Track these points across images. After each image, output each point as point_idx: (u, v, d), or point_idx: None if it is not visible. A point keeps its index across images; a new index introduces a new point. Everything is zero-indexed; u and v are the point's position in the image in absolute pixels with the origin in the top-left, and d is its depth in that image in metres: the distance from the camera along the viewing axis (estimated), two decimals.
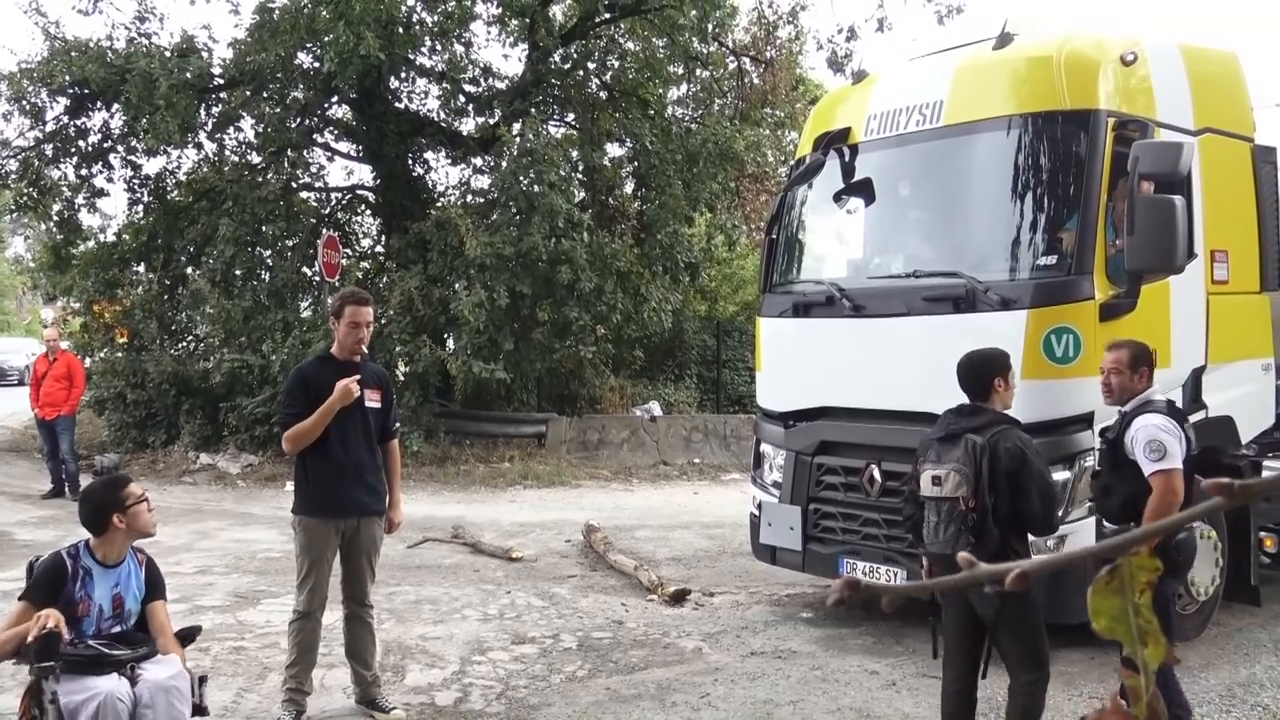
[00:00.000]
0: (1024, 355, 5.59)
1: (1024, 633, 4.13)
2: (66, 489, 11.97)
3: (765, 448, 7.20)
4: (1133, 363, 4.48)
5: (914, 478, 4.47)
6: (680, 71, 16.94)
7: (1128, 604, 0.91)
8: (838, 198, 7.11)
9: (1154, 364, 4.59)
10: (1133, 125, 5.82)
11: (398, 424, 5.33)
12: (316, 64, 14.60)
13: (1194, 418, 5.90)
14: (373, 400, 5.09)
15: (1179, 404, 6.01)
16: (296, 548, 5.07)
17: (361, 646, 5.14)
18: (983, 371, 4.39)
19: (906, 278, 6.48)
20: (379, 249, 18.16)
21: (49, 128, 15.36)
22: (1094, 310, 5.64)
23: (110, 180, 16.10)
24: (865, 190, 6.88)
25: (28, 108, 14.97)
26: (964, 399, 5.87)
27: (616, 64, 16.74)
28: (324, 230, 15.84)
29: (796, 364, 7.01)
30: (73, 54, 14.31)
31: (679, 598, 7.43)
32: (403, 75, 16.00)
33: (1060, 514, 4.74)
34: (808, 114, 17.00)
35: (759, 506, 7.13)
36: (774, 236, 7.50)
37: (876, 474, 6.29)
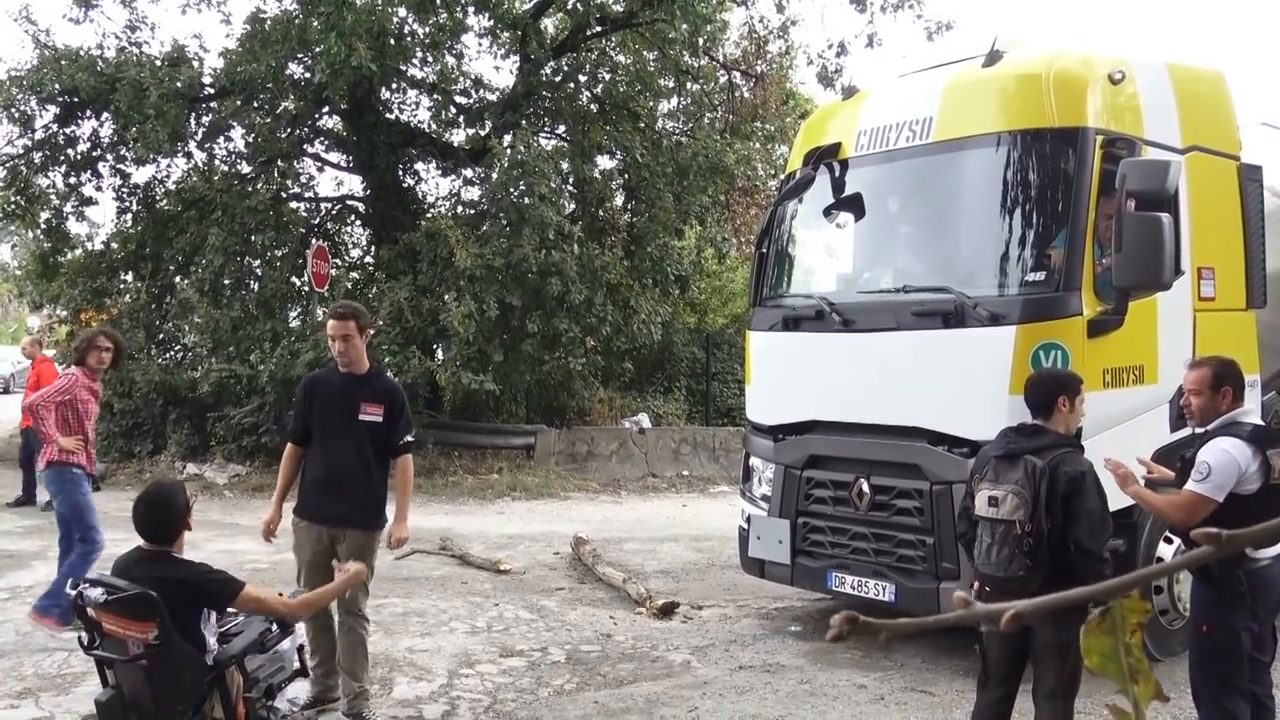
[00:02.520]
0: (1012, 371, 5.63)
1: (1062, 666, 4.09)
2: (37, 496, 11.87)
3: (754, 461, 7.21)
4: (1214, 382, 4.32)
5: (968, 495, 4.41)
6: (671, 85, 17.01)
7: (1119, 643, 0.93)
8: (828, 212, 7.14)
9: (1242, 382, 4.44)
10: (1120, 143, 5.87)
11: (409, 438, 5.24)
12: (307, 74, 14.60)
13: (1181, 434, 5.95)
14: (371, 414, 5.06)
15: (1167, 421, 6.08)
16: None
17: (349, 657, 5.12)
18: (1051, 391, 4.33)
19: (896, 292, 6.51)
20: (368, 259, 18.14)
21: (38, 136, 15.30)
22: (1082, 326, 5.67)
23: (99, 189, 16.06)
24: (855, 205, 6.91)
25: (16, 115, 14.91)
26: (948, 416, 5.94)
27: (607, 77, 16.80)
28: (314, 240, 15.81)
29: (786, 378, 7.03)
30: (63, 62, 14.26)
31: (667, 611, 7.42)
32: (394, 86, 16.02)
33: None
34: (798, 128, 17.08)
35: (748, 520, 7.14)
36: (764, 250, 7.53)
37: (865, 488, 6.30)
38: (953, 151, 6.29)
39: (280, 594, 4.30)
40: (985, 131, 6.14)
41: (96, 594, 3.81)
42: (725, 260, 19.17)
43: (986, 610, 0.91)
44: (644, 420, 16.48)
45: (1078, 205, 5.77)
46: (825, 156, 6.97)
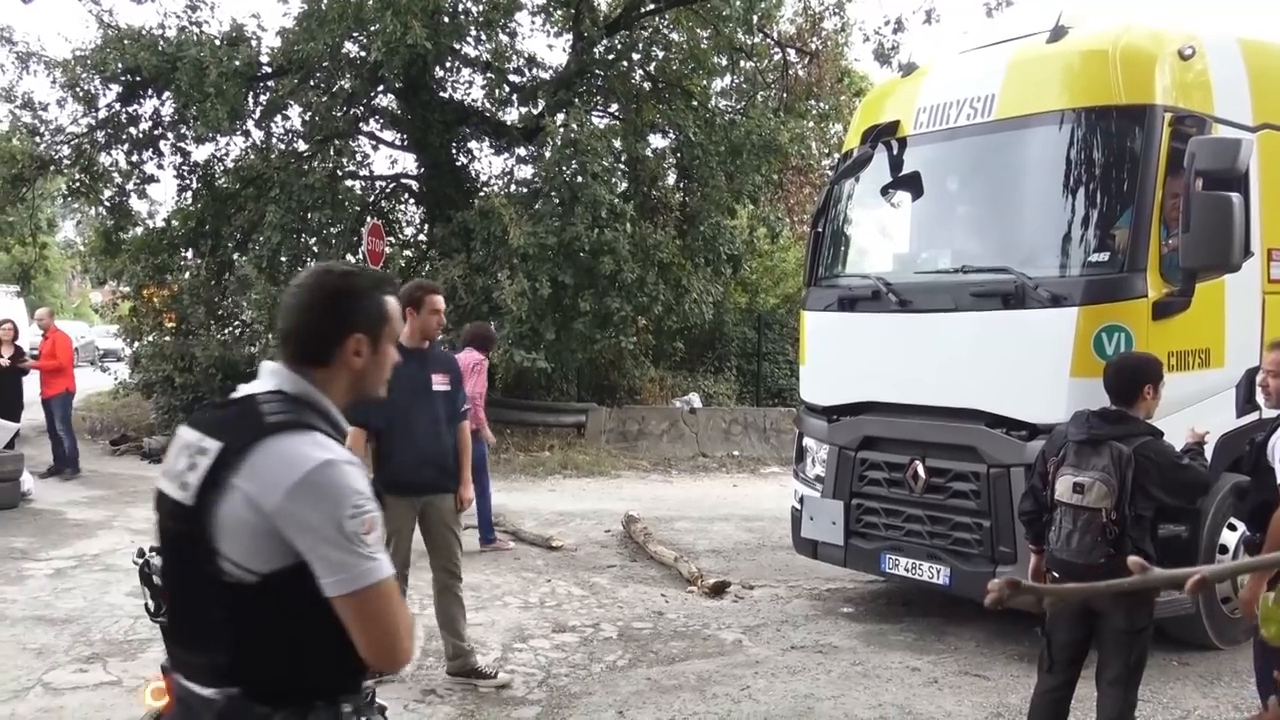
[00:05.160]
0: (1074, 353, 5.54)
1: (1131, 651, 4.05)
2: (66, 468, 12.13)
3: (808, 442, 7.18)
4: None
5: (1040, 475, 4.32)
6: (725, 63, 16.88)
7: None
8: (885, 191, 7.06)
9: None
10: (1189, 121, 5.73)
11: (467, 406, 5.60)
12: (363, 53, 14.69)
13: (1247, 419, 5.82)
14: (440, 384, 5.31)
15: (1233, 405, 5.95)
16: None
17: (453, 619, 5.34)
18: (1136, 377, 4.22)
19: (954, 273, 6.42)
20: (422, 238, 18.27)
21: (101, 114, 15.59)
22: (1147, 308, 5.55)
23: (160, 167, 16.35)
24: (913, 184, 6.82)
25: (81, 94, 15.22)
26: (1007, 399, 5.85)
27: (661, 55, 16.69)
28: (368, 218, 15.97)
29: (841, 358, 6.98)
30: (125, 42, 14.50)
31: (719, 590, 7.43)
32: (448, 65, 16.09)
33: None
34: (853, 106, 16.91)
35: (801, 500, 7.11)
36: (819, 230, 7.47)
37: (921, 470, 6.25)
38: (1016, 129, 6.17)
39: None
40: (1050, 109, 6.02)
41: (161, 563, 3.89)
42: (778, 240, 19.03)
43: (1167, 575, 0.91)
44: (695, 400, 16.47)
45: (1144, 184, 5.64)
46: (883, 134, 6.89)
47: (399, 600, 1.88)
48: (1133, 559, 0.94)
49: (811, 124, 18.04)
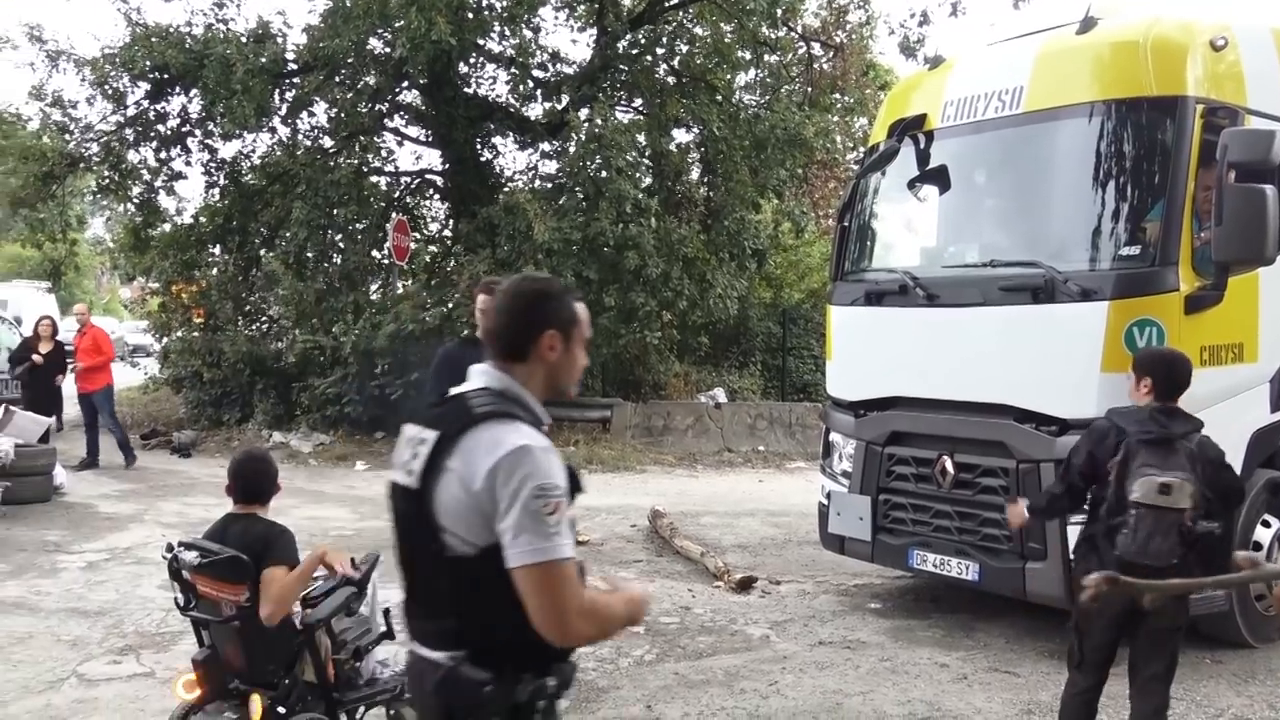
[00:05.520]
0: (1104, 348, 5.50)
1: (1169, 648, 4.02)
2: (125, 458, 12.31)
3: (835, 437, 7.16)
4: None
5: (1081, 473, 4.22)
6: (749, 57, 16.82)
7: None
8: (912, 185, 7.01)
9: None
10: (1222, 112, 5.66)
11: None
12: (388, 49, 14.75)
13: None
14: None
15: (1267, 401, 5.89)
16: None
17: None
18: (1186, 372, 4.18)
19: (982, 267, 6.38)
20: (446, 233, 18.34)
21: (130, 112, 15.75)
22: (1179, 302, 5.49)
23: (188, 164, 16.50)
24: (941, 177, 6.78)
25: (110, 92, 15.38)
26: (1036, 394, 5.80)
27: (684, 49, 16.66)
28: (393, 214, 16.05)
29: (868, 353, 6.95)
30: (153, 39, 14.63)
31: (745, 585, 7.42)
32: (472, 60, 16.13)
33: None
34: (878, 100, 16.81)
35: (828, 496, 7.09)
36: (846, 224, 7.44)
37: (949, 465, 6.21)
38: (1044, 122, 6.12)
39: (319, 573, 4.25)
40: (1079, 101, 5.96)
41: (191, 557, 3.92)
42: (803, 234, 18.96)
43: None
44: (720, 395, 16.46)
45: (1176, 177, 5.58)
46: (910, 128, 6.84)
47: (575, 582, 2.03)
48: (1242, 554, 0.92)
49: (836, 118, 17.95)
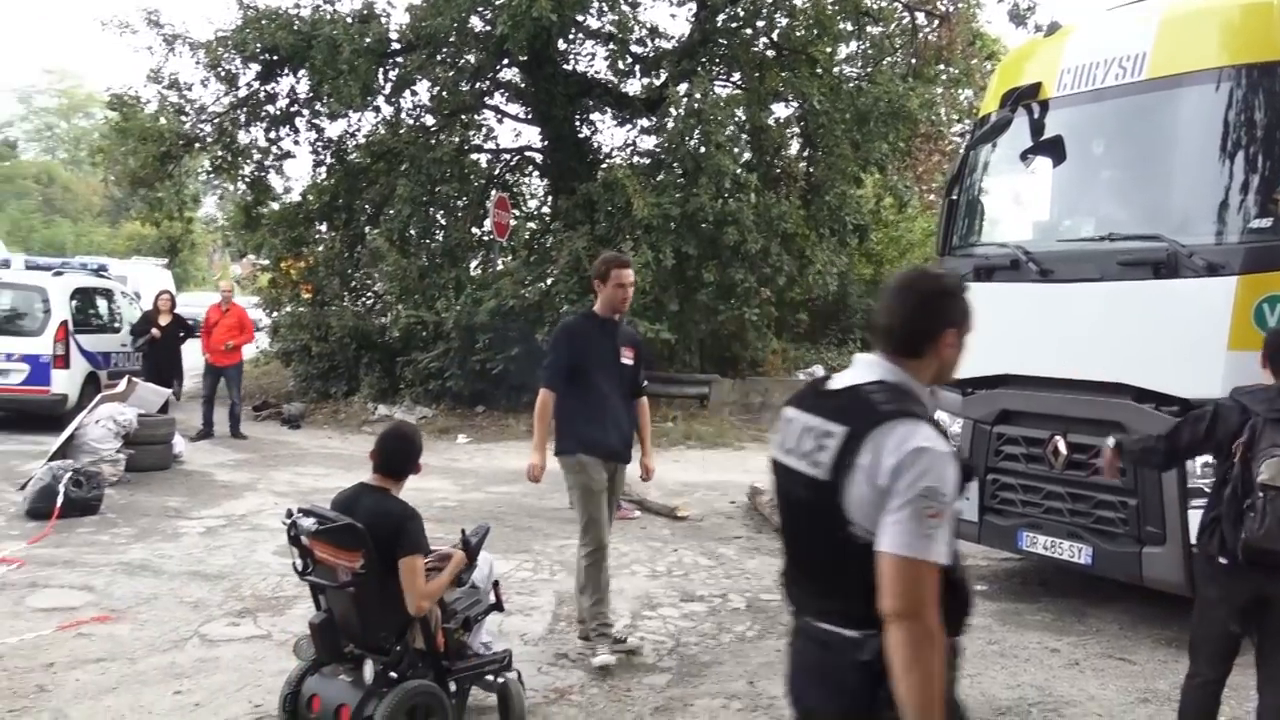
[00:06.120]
0: (1232, 325, 5.26)
1: None
2: (232, 430, 12.73)
3: (941, 415, 6.99)
4: None
5: (1190, 445, 4.12)
6: (850, 28, 16.52)
7: None
8: (1025, 156, 6.78)
9: None
10: None
11: (646, 382, 5.77)
12: (489, 27, 14.88)
13: None
14: (627, 357, 5.47)
15: None
16: (574, 487, 5.35)
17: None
18: None
19: (1100, 241, 6.15)
20: (545, 210, 18.48)
21: (241, 93, 16.22)
22: None
23: (296, 143, 16.94)
24: (1056, 148, 6.54)
25: (223, 74, 15.86)
26: (1157, 373, 5.58)
27: (784, 21, 16.44)
28: (493, 191, 16.23)
29: (977, 329, 6.76)
30: (264, 21, 15.03)
31: None
32: (571, 37, 16.17)
33: None
34: (984, 71, 16.35)
35: None
36: (954, 197, 7.24)
37: (1062, 446, 6.02)
38: (1168, 89, 5.85)
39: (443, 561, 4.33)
40: (1206, 67, 5.68)
41: (309, 523, 4.04)
42: (905, 209, 18.59)
43: None
44: (819, 372, 16.25)
45: None
46: (1024, 97, 6.62)
47: (934, 585, 2.08)
48: None
49: (941, 89, 17.52)
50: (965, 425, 6.65)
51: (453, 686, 4.21)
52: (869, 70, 16.48)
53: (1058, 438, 6.06)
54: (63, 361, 12.27)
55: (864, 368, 2.30)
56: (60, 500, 7.97)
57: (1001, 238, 6.93)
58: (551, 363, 5.38)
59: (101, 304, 13.93)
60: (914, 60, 16.74)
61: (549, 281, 14.17)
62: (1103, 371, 5.86)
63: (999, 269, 6.54)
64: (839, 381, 2.33)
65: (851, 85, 15.89)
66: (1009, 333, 6.45)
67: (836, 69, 16.61)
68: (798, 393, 2.46)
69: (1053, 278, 6.17)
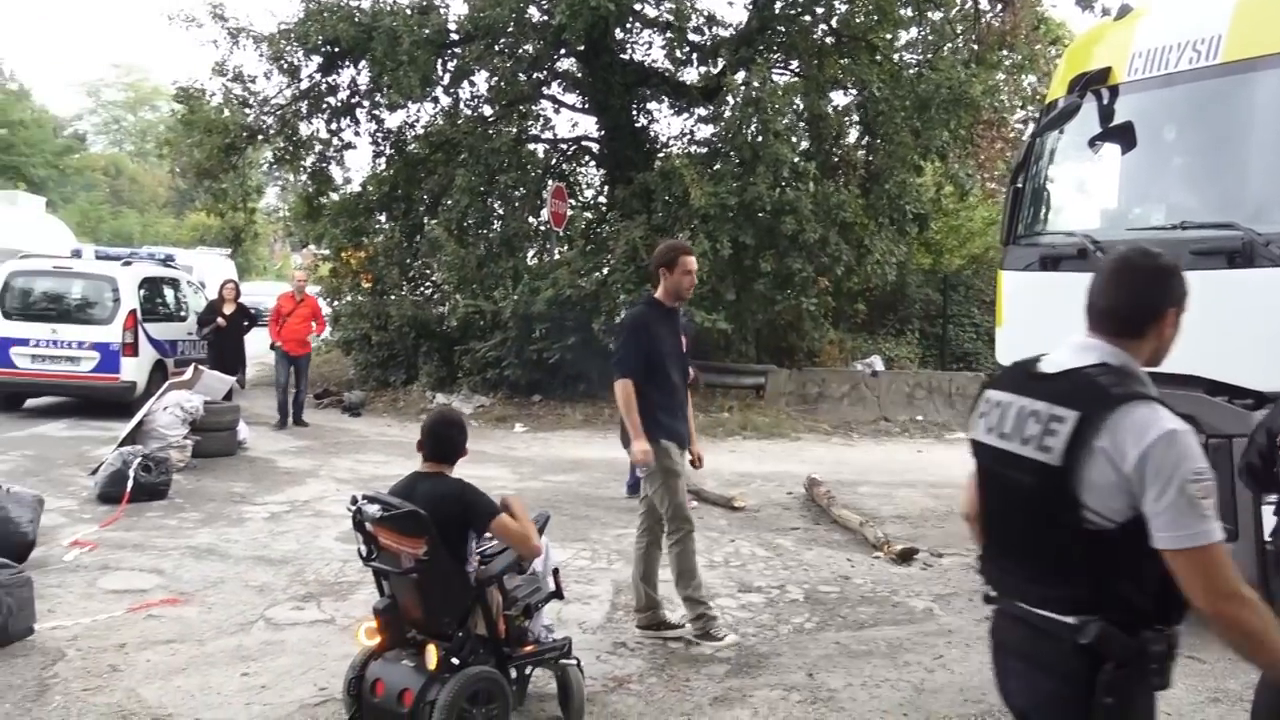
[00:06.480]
0: None
1: None
2: (295, 418, 12.93)
3: None
4: None
5: (1260, 452, 3.98)
6: (910, 14, 16.28)
7: None
8: (1093, 143, 6.63)
9: None
10: None
11: (692, 371, 5.88)
12: (546, 17, 14.90)
13: None
14: (685, 345, 5.64)
15: None
16: (659, 475, 5.33)
17: (654, 573, 5.54)
18: None
19: (1171, 229, 5.99)
20: (602, 199, 18.50)
21: (303, 85, 16.44)
22: None
23: (357, 134, 17.13)
24: (1126, 135, 6.38)
25: (285, 66, 16.09)
26: (1230, 365, 5.43)
27: (843, 8, 16.25)
28: (550, 180, 16.27)
29: (1042, 320, 6.63)
30: (325, 14, 15.19)
31: (906, 556, 7.28)
32: (629, 26, 16.13)
33: None
34: (1049, 56, 16.03)
35: None
36: (1019, 185, 7.11)
37: None
38: (1245, 73, 5.68)
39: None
40: None
41: (373, 510, 4.08)
42: (967, 198, 18.29)
43: None
44: (877, 363, 16.14)
45: None
46: (1093, 82, 6.47)
47: (1227, 564, 2.06)
48: None
49: (1003, 75, 17.21)
50: None
51: (513, 673, 4.24)
52: (930, 56, 16.23)
53: None
54: (131, 350, 12.55)
55: (1080, 350, 2.28)
56: (130, 485, 8.18)
57: (1068, 226, 6.80)
58: (631, 352, 5.32)
59: (168, 293, 14.22)
60: (976, 46, 16.45)
61: (605, 271, 14.17)
62: (1173, 363, 5.67)
63: (1065, 258, 6.41)
64: (1052, 364, 2.30)
65: (912, 72, 15.67)
66: (1075, 323, 6.33)
67: (896, 55, 16.38)
68: (1001, 375, 2.46)
69: None
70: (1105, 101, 6.43)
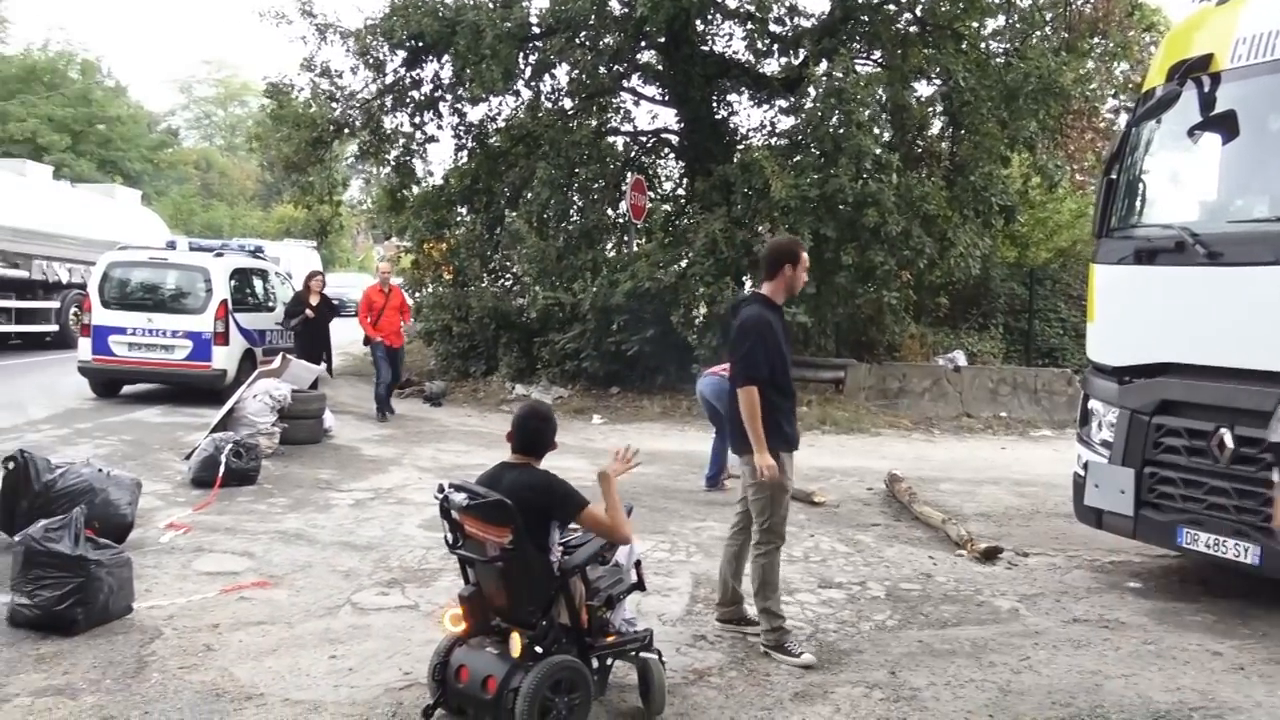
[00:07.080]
0: None
1: None
2: (382, 409, 13.17)
3: (1095, 404, 6.72)
4: None
5: None
6: (998, 2, 15.92)
7: None
8: (1193, 132, 6.41)
9: None
10: None
11: None
12: (627, 9, 14.92)
13: None
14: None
15: None
16: (770, 485, 5.08)
17: (741, 569, 5.47)
18: None
19: (1275, 222, 5.78)
20: (681, 191, 18.47)
21: (388, 79, 16.70)
22: None
23: (439, 127, 17.35)
24: (1228, 124, 6.16)
25: (371, 61, 16.36)
26: None
27: None
28: (630, 173, 16.28)
29: (1136, 315, 6.47)
30: (410, 9, 15.40)
31: (990, 555, 7.14)
32: (709, 17, 16.07)
33: None
34: (1142, 43, 15.55)
35: (1085, 466, 6.68)
36: (1113, 176, 6.92)
37: (1228, 439, 5.70)
38: None
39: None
40: None
41: (460, 499, 4.13)
42: (1055, 189, 17.84)
43: None
44: (960, 358, 15.87)
45: None
46: (1193, 70, 6.25)
47: None
48: None
49: (1094, 63, 16.75)
50: (1121, 415, 6.37)
51: (595, 663, 4.26)
52: (1018, 45, 15.86)
53: (1224, 430, 5.74)
54: (223, 338, 12.91)
55: None
56: (222, 470, 8.41)
57: (1165, 218, 6.59)
58: (760, 357, 5.02)
59: (257, 284, 14.58)
60: (1066, 33, 16.03)
61: (684, 264, 14.15)
62: (1276, 360, 5.51)
63: (1162, 251, 6.22)
64: None
65: (999, 61, 15.33)
66: (1171, 318, 6.15)
67: (983, 44, 16.04)
68: None
69: (1221, 261, 5.82)
70: (1206, 89, 6.21)
